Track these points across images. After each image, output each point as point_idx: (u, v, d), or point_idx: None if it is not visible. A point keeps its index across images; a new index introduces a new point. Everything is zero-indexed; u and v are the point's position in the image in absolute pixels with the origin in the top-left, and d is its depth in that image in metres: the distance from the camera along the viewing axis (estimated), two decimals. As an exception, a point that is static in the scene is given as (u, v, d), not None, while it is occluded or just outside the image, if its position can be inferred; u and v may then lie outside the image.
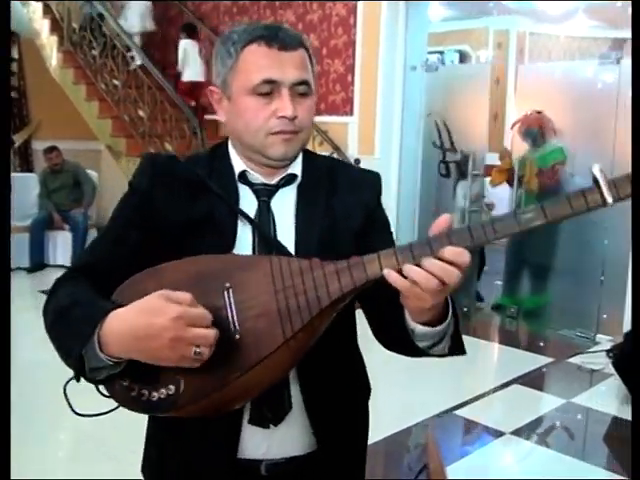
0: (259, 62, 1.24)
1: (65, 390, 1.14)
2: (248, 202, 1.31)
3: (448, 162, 6.06)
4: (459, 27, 9.46)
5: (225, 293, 1.11)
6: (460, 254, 1.01)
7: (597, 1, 8.15)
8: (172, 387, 1.08)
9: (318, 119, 5.42)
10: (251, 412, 1.26)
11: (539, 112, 5.72)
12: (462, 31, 9.53)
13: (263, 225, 1.29)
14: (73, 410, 1.16)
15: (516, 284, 6.07)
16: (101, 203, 7.60)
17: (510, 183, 6.03)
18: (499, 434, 3.55)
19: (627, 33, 9.47)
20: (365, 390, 1.44)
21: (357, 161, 5.50)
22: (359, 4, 6.14)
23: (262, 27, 1.28)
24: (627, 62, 5.17)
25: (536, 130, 5.72)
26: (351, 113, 6.29)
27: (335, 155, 5.69)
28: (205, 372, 1.06)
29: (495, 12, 8.96)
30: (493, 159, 7.08)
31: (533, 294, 6.02)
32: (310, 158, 1.40)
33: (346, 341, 1.36)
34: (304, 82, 1.26)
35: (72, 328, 1.13)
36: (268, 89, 1.24)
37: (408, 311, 1.13)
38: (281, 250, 1.25)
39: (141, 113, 6.81)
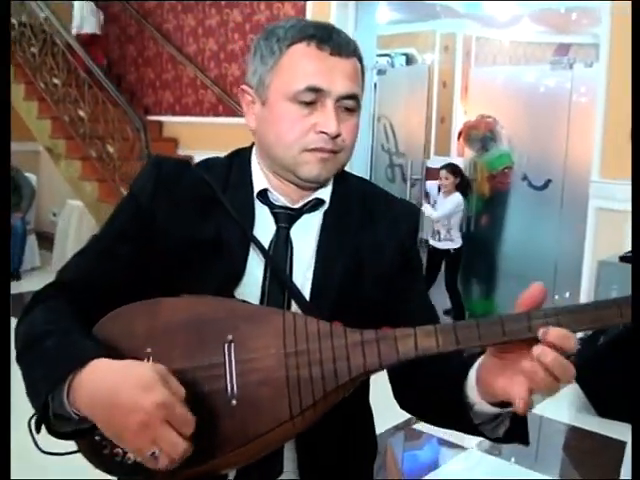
0: (306, 65, 1.07)
1: (30, 424, 0.94)
2: (264, 225, 1.13)
3: (394, 166, 6.00)
4: (406, 30, 9.45)
5: (225, 347, 0.93)
6: (568, 338, 0.82)
7: (543, 4, 8.22)
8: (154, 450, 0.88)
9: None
10: (236, 475, 1.08)
11: (489, 117, 5.71)
12: (409, 34, 9.50)
13: (279, 258, 1.11)
14: (39, 448, 0.96)
15: (466, 289, 6.04)
16: (40, 207, 7.30)
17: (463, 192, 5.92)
18: (456, 446, 3.46)
19: (571, 38, 9.65)
20: (372, 451, 1.25)
21: None
22: (308, 4, 6.02)
23: (314, 25, 1.10)
24: (579, 66, 5.20)
25: (486, 135, 5.70)
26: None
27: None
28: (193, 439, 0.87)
29: (442, 15, 8.96)
30: (439, 163, 7.04)
31: (482, 298, 5.99)
32: (342, 180, 1.20)
33: (358, 395, 1.08)
34: (353, 96, 1.09)
35: (43, 364, 0.93)
36: (311, 98, 1.06)
37: (485, 390, 0.93)
38: (294, 295, 1.08)
39: (82, 113, 6.53)
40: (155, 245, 1.10)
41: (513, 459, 3.36)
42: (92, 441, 0.92)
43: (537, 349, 0.82)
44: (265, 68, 1.10)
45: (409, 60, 9.72)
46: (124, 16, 7.67)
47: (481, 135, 5.68)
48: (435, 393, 1.03)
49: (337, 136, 1.07)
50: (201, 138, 6.61)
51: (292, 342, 0.92)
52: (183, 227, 1.10)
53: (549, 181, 5.34)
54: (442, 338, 0.86)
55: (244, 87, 1.15)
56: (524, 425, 0.97)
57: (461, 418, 0.99)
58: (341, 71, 1.07)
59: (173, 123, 7.16)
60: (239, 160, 1.20)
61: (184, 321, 0.95)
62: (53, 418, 0.91)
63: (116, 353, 0.92)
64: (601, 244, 4.55)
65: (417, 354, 0.87)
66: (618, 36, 4.46)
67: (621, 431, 3.36)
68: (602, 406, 3.67)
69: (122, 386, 0.85)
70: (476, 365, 0.96)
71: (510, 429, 0.98)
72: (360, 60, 1.13)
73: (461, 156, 6.67)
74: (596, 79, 4.59)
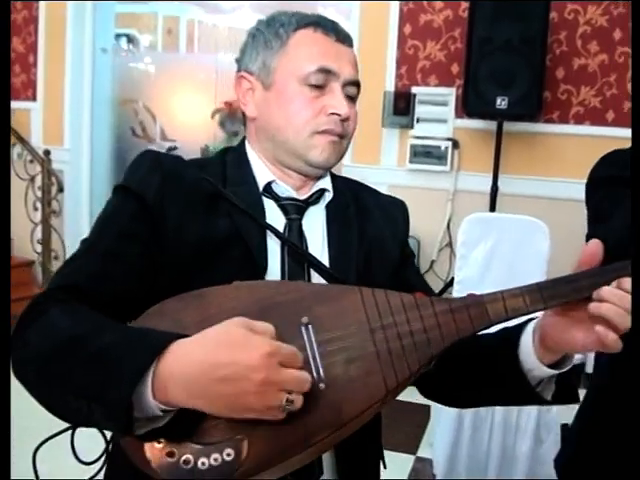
0: (315, 48, 1.08)
1: (35, 457, 0.84)
2: (274, 219, 1.08)
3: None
4: (128, 10, 9.07)
5: (303, 330, 0.87)
6: (622, 297, 0.87)
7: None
8: (231, 451, 0.80)
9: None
10: None
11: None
12: (131, 15, 9.14)
13: (295, 243, 1.08)
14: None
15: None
16: None
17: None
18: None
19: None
20: (380, 445, 1.24)
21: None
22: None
23: (315, 15, 1.12)
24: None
25: (227, 117, 5.78)
26: (34, 98, 5.60)
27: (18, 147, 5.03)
28: (278, 431, 0.80)
29: (165, -3, 8.76)
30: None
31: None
32: (333, 175, 1.22)
33: None
34: (357, 83, 1.12)
35: (106, 361, 0.81)
36: (322, 80, 1.07)
37: (551, 345, 0.96)
38: (323, 273, 1.05)
39: None
40: (168, 245, 1.01)
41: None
42: (154, 449, 0.81)
43: (605, 292, 0.88)
44: (270, 52, 1.09)
45: (130, 41, 9.36)
46: None
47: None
48: (489, 370, 1.05)
49: (346, 119, 1.10)
50: None
51: (376, 316, 0.89)
52: (197, 224, 1.04)
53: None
54: (529, 298, 0.89)
55: (243, 73, 1.11)
56: (572, 384, 1.03)
57: (518, 386, 1.01)
58: (347, 58, 1.12)
59: None
60: (233, 157, 1.15)
61: (245, 307, 0.88)
62: (126, 419, 0.79)
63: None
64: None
65: (508, 315, 0.90)
66: (367, 28, 4.78)
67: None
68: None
69: (219, 357, 0.78)
70: (529, 330, 1.00)
71: (557, 391, 1.02)
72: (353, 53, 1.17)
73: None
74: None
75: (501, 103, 4.06)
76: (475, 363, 1.08)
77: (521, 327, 1.03)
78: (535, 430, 2.74)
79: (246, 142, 1.18)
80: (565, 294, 0.89)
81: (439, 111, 4.64)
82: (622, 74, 4.34)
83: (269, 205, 1.11)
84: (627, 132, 4.43)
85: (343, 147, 1.14)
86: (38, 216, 5.41)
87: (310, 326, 0.88)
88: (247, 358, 0.77)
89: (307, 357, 0.86)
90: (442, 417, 2.91)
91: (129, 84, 5.90)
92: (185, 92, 6.06)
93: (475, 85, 4.11)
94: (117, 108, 5.85)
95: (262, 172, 1.13)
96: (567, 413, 3.28)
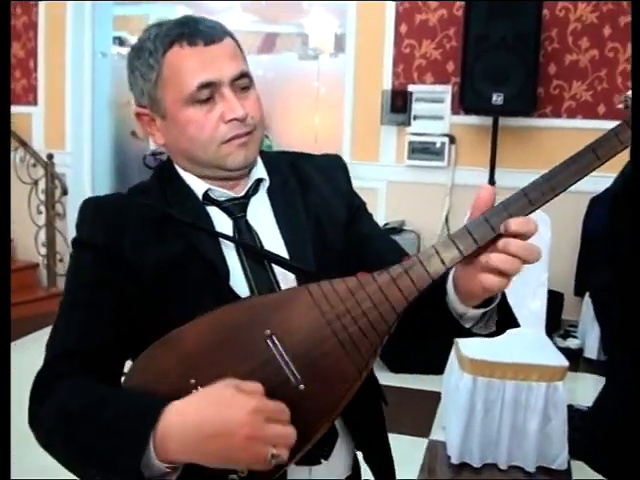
0: (188, 66, 1.06)
1: None
2: (221, 223, 1.14)
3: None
4: (119, 13, 9.10)
5: (269, 342, 0.94)
6: (526, 223, 0.88)
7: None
8: (235, 477, 0.91)
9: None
10: None
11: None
12: (122, 17, 9.17)
13: (249, 243, 1.12)
14: None
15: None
16: None
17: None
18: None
19: (279, 28, 10.11)
20: (380, 391, 1.29)
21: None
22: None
23: (177, 24, 1.09)
24: (324, 57, 5.54)
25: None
26: (35, 103, 5.68)
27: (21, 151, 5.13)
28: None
29: (157, -1, 8.80)
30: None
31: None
32: (267, 157, 1.24)
33: None
34: (244, 74, 1.11)
35: (111, 435, 0.90)
36: (207, 94, 1.08)
37: (465, 295, 0.98)
38: (281, 263, 1.10)
39: None
40: (132, 277, 1.07)
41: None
42: None
43: (500, 243, 0.88)
44: (150, 84, 1.11)
45: (122, 43, 9.39)
46: None
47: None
48: (426, 323, 1.07)
49: (245, 117, 1.09)
50: None
51: (329, 308, 0.94)
52: (155, 253, 1.08)
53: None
54: (462, 244, 0.90)
55: (137, 110, 1.15)
56: (511, 314, 1.06)
57: (456, 330, 1.04)
58: (222, 56, 1.09)
59: None
60: (166, 175, 1.18)
61: (213, 337, 0.95)
62: None
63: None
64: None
65: (446, 267, 0.91)
66: (363, 28, 4.88)
67: (432, 383, 3.72)
68: (393, 363, 3.84)
69: (208, 416, 0.86)
70: (450, 279, 1.01)
71: (500, 320, 1.05)
72: (232, 37, 1.14)
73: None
74: (342, 69, 4.97)
75: (497, 99, 4.19)
76: (414, 318, 1.08)
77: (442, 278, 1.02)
78: (544, 409, 2.87)
79: (172, 162, 1.20)
80: (489, 232, 0.90)
81: (436, 108, 4.77)
82: (612, 69, 4.49)
83: (213, 211, 1.15)
84: (619, 125, 4.59)
85: (257, 137, 1.14)
86: (42, 219, 5.48)
87: (274, 336, 0.94)
88: (234, 414, 0.84)
89: (279, 364, 0.93)
90: (455, 401, 3.04)
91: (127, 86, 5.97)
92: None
93: (471, 82, 4.24)
94: (117, 111, 5.92)
95: (196, 184, 1.15)
96: (574, 394, 3.43)
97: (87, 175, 5.81)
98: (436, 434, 3.36)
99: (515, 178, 4.53)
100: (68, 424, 0.95)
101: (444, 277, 0.99)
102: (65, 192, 5.47)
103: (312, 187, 1.22)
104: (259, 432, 0.84)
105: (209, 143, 1.09)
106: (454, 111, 4.72)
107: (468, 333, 1.05)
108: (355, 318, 0.94)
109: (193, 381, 0.93)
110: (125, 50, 7.18)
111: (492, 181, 4.39)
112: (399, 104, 4.81)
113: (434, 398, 3.58)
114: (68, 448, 0.95)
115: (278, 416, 0.87)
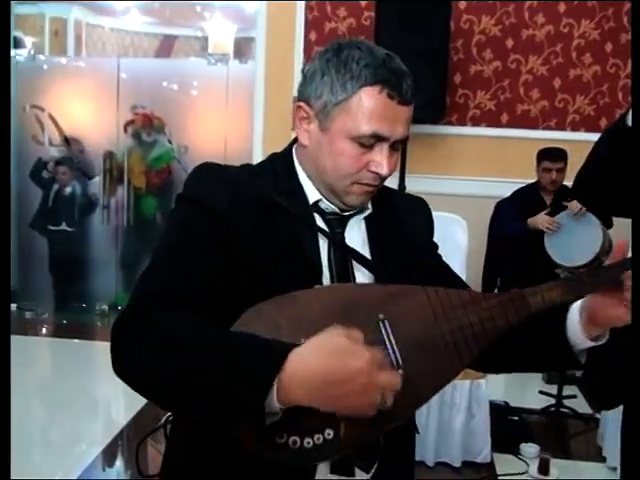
0: (375, 113, 1.11)
1: (138, 450, 0.98)
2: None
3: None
4: (16, 11, 8.72)
5: (381, 325, 1.03)
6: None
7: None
8: (330, 432, 0.96)
9: None
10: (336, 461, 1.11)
11: (143, 108, 5.74)
12: (18, 16, 8.80)
13: (340, 261, 1.20)
14: (141, 474, 1.00)
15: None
16: None
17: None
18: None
19: (176, 30, 9.98)
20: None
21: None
22: None
23: (388, 68, 1.12)
24: (234, 63, 5.54)
25: (141, 128, 5.74)
26: None
27: None
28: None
29: (53, -1, 8.51)
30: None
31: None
32: None
33: None
34: (405, 139, 1.17)
35: (235, 372, 0.92)
36: (372, 142, 1.13)
37: (593, 324, 1.14)
38: (370, 269, 1.20)
39: None
40: (239, 250, 1.12)
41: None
42: (265, 434, 0.95)
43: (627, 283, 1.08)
44: (333, 100, 1.14)
45: (17, 44, 9.01)
46: None
47: (138, 128, 5.71)
48: (537, 345, 1.22)
49: (386, 177, 1.18)
50: None
51: (441, 312, 1.06)
52: (262, 232, 1.14)
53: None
54: (562, 290, 1.09)
55: (302, 104, 1.18)
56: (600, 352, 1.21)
57: (564, 356, 1.19)
58: (402, 119, 1.15)
59: None
60: (282, 167, 1.24)
61: (330, 307, 1.02)
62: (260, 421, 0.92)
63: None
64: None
65: (544, 305, 1.09)
66: (273, 36, 4.92)
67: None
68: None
69: (333, 363, 0.91)
70: (574, 311, 1.17)
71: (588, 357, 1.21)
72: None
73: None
74: (251, 74, 4.99)
75: (407, 107, 4.30)
76: (525, 340, 1.22)
77: (560, 311, 1.19)
78: (468, 406, 3.00)
79: (294, 153, 1.24)
80: (588, 288, 1.11)
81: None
82: (515, 79, 4.72)
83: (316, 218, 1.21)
84: (521, 132, 4.81)
85: (376, 191, 1.22)
86: None
87: (386, 321, 1.03)
88: (354, 364, 0.90)
89: (386, 348, 1.02)
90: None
91: (29, 88, 5.76)
92: (84, 97, 5.96)
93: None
94: (19, 113, 5.69)
95: (310, 189, 1.21)
96: (494, 390, 3.59)
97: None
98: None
99: (424, 183, 4.75)
100: (181, 355, 0.96)
101: (564, 313, 1.17)
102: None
103: (405, 227, 1.30)
104: (375, 379, 0.91)
105: (346, 178, 1.16)
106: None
107: (574, 361, 1.20)
108: (462, 326, 1.05)
109: (303, 340, 0.95)
110: (21, 52, 6.88)
111: (402, 186, 4.52)
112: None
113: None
114: (175, 379, 0.95)
115: (385, 364, 0.95)
